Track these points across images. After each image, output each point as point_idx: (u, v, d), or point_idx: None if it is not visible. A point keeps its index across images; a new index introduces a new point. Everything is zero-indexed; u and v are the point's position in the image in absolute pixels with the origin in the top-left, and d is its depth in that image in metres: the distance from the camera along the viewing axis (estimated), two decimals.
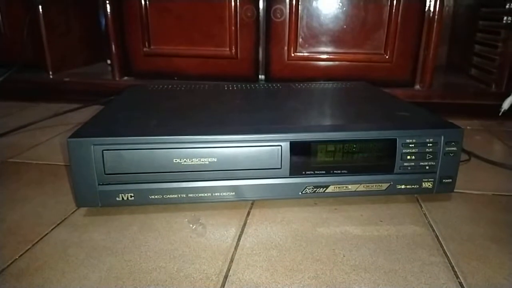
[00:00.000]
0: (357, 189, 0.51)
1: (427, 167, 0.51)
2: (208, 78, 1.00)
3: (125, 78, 1.06)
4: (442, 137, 0.50)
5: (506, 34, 0.93)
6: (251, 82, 1.00)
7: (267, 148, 0.48)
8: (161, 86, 0.76)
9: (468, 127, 0.89)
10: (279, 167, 0.49)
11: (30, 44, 1.09)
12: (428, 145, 0.50)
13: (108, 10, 0.99)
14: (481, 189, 0.58)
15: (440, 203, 0.53)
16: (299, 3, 0.94)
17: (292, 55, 0.98)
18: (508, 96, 0.87)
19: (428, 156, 0.51)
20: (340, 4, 0.95)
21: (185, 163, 0.47)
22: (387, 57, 0.96)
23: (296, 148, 0.48)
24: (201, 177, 0.48)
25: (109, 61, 1.09)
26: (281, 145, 0.48)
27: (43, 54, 1.08)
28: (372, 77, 0.95)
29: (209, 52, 1.01)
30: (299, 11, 0.95)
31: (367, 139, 0.49)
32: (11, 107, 1.00)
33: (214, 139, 0.47)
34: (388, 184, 0.51)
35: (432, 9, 0.92)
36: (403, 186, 0.52)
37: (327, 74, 0.98)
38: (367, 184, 0.51)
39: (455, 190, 0.53)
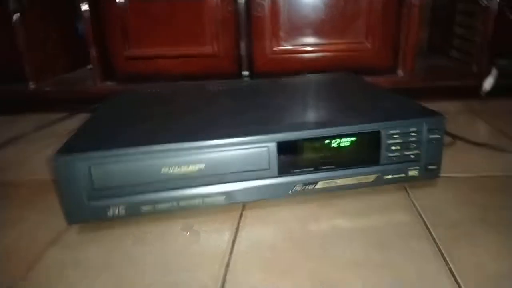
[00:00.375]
0: (346, 183, 0.52)
1: (411, 156, 0.52)
2: (192, 78, 1.00)
3: (108, 83, 1.05)
4: (424, 125, 0.51)
5: (484, 15, 0.94)
6: (235, 79, 1.00)
7: (254, 150, 0.48)
8: (145, 91, 0.75)
9: (451, 108, 0.90)
10: (267, 167, 0.49)
11: (7, 54, 1.06)
12: (411, 134, 0.51)
13: (86, 13, 0.97)
14: (467, 171, 0.59)
15: (427, 189, 0.54)
16: None
17: (275, 49, 0.98)
18: (487, 76, 0.89)
19: (412, 145, 0.52)
20: None
21: (173, 171, 0.47)
22: (368, 45, 0.97)
23: (283, 147, 0.48)
24: (190, 184, 0.48)
25: (90, 66, 1.07)
26: (268, 146, 0.48)
27: (22, 64, 1.06)
28: (355, 66, 0.95)
29: (190, 51, 1.00)
30: (279, 5, 0.94)
31: (352, 134, 0.50)
32: None
33: (200, 145, 0.47)
34: (375, 175, 0.52)
35: None
36: (389, 176, 0.53)
37: (311, 66, 0.98)
38: (355, 177, 0.52)
39: (441, 175, 0.54)
